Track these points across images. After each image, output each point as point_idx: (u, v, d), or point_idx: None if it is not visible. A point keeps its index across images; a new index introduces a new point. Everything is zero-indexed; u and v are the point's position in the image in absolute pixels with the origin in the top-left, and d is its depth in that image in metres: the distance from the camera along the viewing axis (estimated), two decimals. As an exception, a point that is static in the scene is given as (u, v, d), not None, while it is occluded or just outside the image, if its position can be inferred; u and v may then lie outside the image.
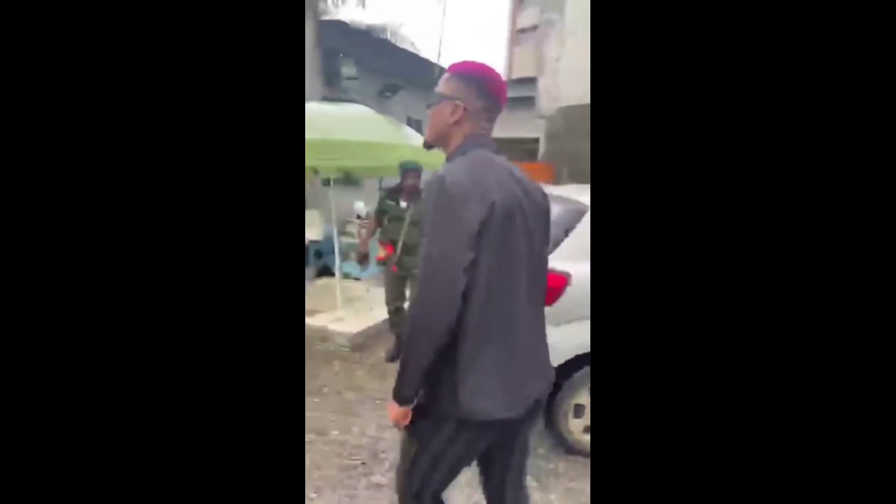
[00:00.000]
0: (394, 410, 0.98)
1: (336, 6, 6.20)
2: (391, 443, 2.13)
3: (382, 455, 2.08)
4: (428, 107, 1.03)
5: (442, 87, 1.00)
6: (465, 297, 0.87)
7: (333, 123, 3.01)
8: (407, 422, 0.99)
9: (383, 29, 6.88)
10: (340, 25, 6.10)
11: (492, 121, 1.02)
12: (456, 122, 0.98)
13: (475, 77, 0.98)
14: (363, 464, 2.02)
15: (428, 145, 1.05)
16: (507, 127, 8.01)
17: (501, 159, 0.98)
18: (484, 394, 0.91)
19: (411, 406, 0.97)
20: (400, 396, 0.95)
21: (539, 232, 1.00)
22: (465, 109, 0.97)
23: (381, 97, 6.90)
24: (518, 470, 1.12)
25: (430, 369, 0.90)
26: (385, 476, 1.93)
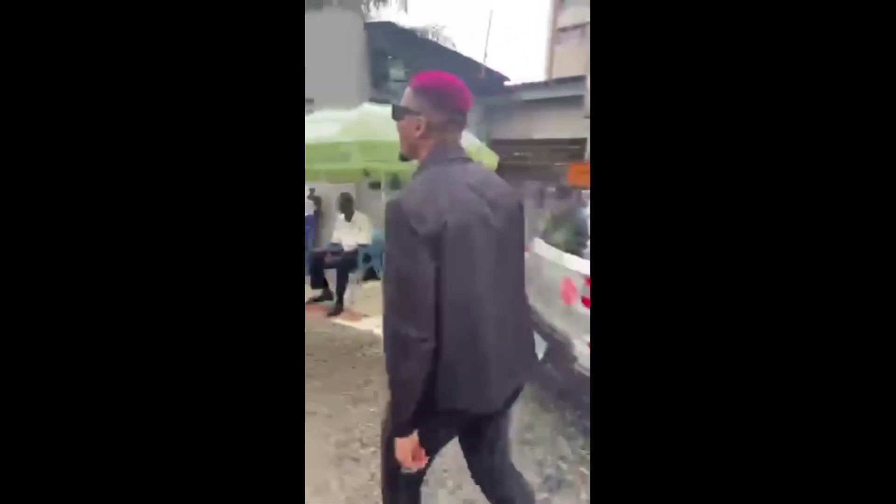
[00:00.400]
0: (401, 445, 0.96)
1: (378, 9, 6.22)
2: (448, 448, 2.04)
3: (439, 459, 1.98)
4: (395, 119, 1.05)
5: (405, 101, 1.03)
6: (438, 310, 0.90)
7: (384, 125, 2.95)
8: (423, 457, 0.99)
9: (427, 30, 6.86)
10: (387, 27, 6.10)
11: (459, 129, 1.04)
12: (421, 136, 1.01)
13: (434, 91, 1.00)
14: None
15: (403, 157, 1.08)
16: (551, 128, 7.87)
17: (470, 168, 1.01)
18: (460, 393, 0.94)
19: (416, 432, 0.96)
20: (404, 425, 0.94)
21: (510, 234, 1.02)
22: (427, 124, 0.99)
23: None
24: (502, 454, 1.17)
25: (422, 394, 0.91)
26: (444, 485, 1.83)
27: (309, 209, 5.86)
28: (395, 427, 0.95)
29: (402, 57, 6.08)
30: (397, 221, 0.90)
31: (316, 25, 4.27)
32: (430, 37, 6.91)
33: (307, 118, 2.59)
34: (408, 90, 1.03)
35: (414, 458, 0.96)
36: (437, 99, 1.00)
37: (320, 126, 2.57)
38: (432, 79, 1.02)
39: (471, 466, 1.19)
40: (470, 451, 1.16)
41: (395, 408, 0.94)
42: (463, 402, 0.95)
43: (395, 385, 0.92)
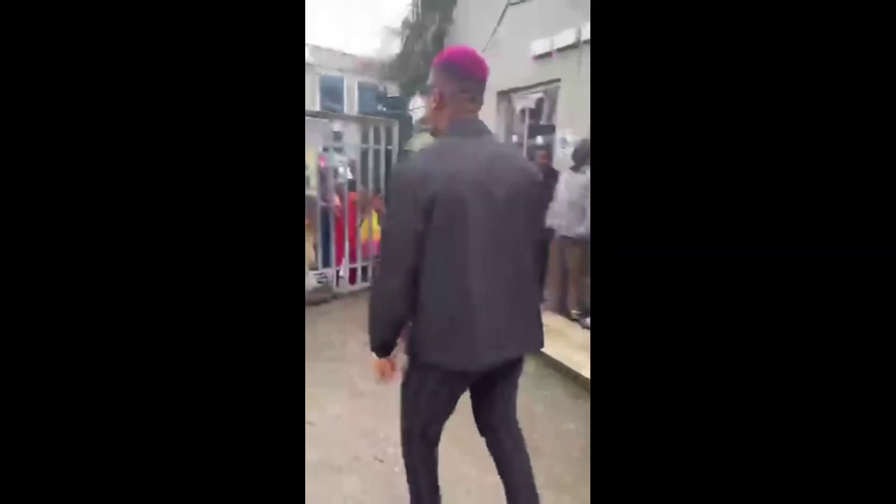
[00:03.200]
0: (374, 362, 1.19)
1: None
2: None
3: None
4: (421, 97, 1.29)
5: (430, 80, 1.14)
6: (417, 269, 1.03)
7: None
8: (393, 374, 1.19)
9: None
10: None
11: (475, 99, 1.11)
12: (437, 108, 1.11)
13: (447, 63, 1.10)
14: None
15: (432, 133, 1.19)
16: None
17: (485, 141, 1.10)
18: (441, 349, 1.07)
19: (389, 357, 1.18)
20: (373, 348, 1.17)
21: (516, 209, 1.08)
22: (441, 95, 1.09)
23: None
24: (503, 415, 1.26)
25: (392, 324, 1.10)
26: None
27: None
28: (371, 348, 1.16)
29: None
30: (393, 187, 1.09)
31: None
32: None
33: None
34: (431, 70, 1.13)
35: (384, 375, 1.19)
36: (450, 70, 1.09)
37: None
38: (447, 53, 1.12)
39: (480, 425, 1.30)
40: (479, 408, 1.28)
41: (370, 333, 1.14)
42: (439, 357, 1.07)
43: (370, 321, 1.12)
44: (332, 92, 15.09)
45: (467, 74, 1.09)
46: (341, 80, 16.37)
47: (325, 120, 4.06)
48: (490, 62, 1.12)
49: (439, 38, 4.81)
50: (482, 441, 1.31)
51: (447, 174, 1.00)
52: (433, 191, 0.98)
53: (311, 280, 3.90)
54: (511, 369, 1.21)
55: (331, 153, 4.12)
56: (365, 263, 4.28)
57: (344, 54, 17.18)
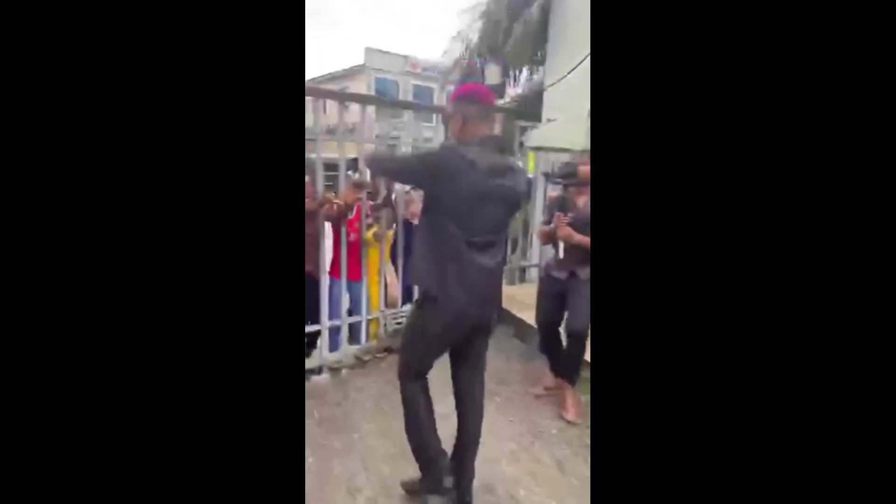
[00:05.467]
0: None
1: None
2: None
3: None
4: (444, 123, 1.74)
5: (449, 108, 1.55)
6: (429, 238, 1.38)
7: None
8: (354, 194, 2.19)
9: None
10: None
11: (488, 120, 1.43)
12: (461, 129, 1.40)
13: (464, 96, 1.45)
14: None
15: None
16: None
17: (488, 148, 1.35)
18: (446, 292, 1.35)
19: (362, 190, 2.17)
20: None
21: (502, 198, 1.36)
22: (462, 119, 1.39)
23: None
24: (476, 372, 1.53)
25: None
26: None
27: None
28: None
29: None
30: (431, 154, 1.47)
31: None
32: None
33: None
34: (450, 101, 1.53)
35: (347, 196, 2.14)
36: (468, 100, 1.42)
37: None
38: (461, 90, 1.53)
39: (454, 380, 1.55)
40: (455, 366, 1.53)
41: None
42: (429, 287, 1.38)
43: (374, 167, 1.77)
44: (386, 95, 14.92)
45: (480, 101, 1.43)
46: (395, 83, 16.30)
47: (408, 118, 3.35)
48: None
49: (545, 8, 4.26)
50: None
51: (455, 163, 1.29)
52: (451, 173, 1.29)
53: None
54: (483, 329, 1.48)
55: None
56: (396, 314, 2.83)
57: (400, 56, 17.11)
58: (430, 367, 1.47)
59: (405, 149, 2.25)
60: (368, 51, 16.64)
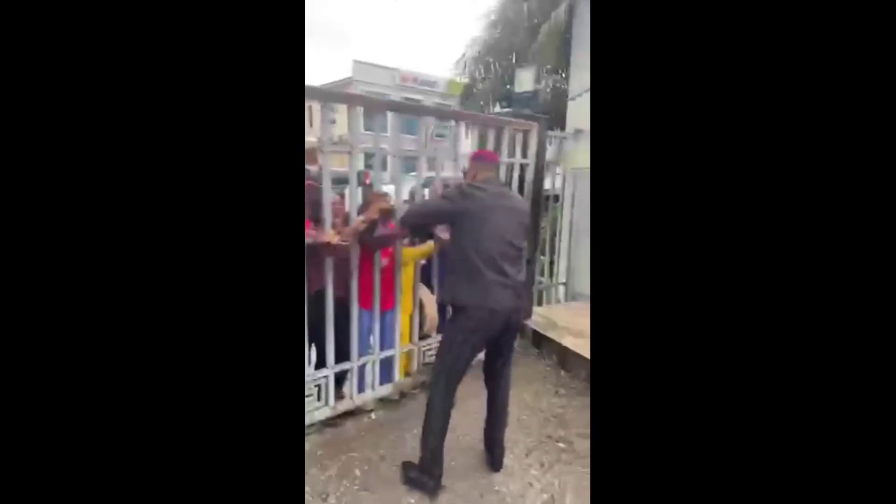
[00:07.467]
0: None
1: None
2: None
3: None
4: (463, 173, 2.23)
5: (467, 165, 1.96)
6: (456, 258, 1.69)
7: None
8: (381, 206, 1.94)
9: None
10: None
11: (494, 171, 1.89)
12: (474, 175, 1.81)
13: (476, 157, 1.91)
14: None
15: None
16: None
17: (496, 188, 1.75)
18: (474, 298, 1.62)
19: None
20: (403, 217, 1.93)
21: (514, 221, 1.71)
22: (475, 171, 1.83)
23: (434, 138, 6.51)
24: (505, 362, 1.82)
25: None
26: None
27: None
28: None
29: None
30: (444, 192, 1.88)
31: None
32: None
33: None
34: (470, 158, 1.95)
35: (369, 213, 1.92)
36: (479, 160, 1.87)
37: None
38: (475, 154, 1.96)
39: (486, 371, 1.85)
40: (488, 359, 1.82)
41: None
42: (458, 299, 1.67)
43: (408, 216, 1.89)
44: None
45: (488, 162, 1.88)
46: (416, 122, 16.12)
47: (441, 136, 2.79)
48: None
49: (570, 9, 4.15)
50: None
51: (478, 198, 1.67)
52: (464, 208, 1.66)
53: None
54: (511, 327, 1.74)
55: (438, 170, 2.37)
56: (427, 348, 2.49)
57: (389, 69, 16.94)
58: (460, 371, 1.68)
59: (389, 159, 2.18)
60: (357, 63, 16.43)
